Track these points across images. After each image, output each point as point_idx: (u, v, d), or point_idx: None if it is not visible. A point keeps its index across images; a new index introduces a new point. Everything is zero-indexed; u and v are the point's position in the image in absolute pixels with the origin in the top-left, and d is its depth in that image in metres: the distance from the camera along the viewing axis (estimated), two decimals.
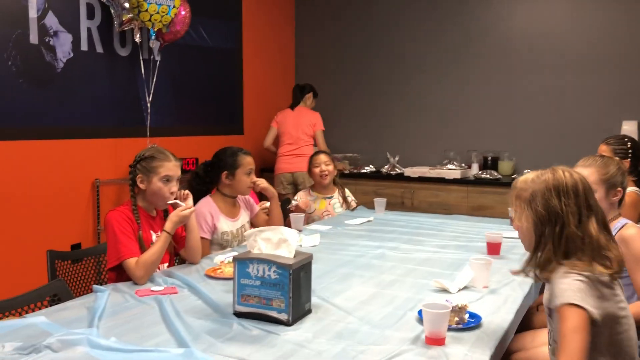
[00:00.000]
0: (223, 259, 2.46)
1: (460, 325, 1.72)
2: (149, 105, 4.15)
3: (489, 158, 5.23)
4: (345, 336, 1.68)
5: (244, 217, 3.07)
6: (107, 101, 4.06)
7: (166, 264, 2.45)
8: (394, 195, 5.17)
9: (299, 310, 1.80)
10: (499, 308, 1.92)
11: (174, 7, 3.90)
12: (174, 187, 2.39)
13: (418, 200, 5.13)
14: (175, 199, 2.44)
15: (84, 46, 3.87)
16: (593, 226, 1.54)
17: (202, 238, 2.71)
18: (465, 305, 1.76)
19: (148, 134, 4.15)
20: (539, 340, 1.97)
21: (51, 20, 3.64)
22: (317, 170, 3.80)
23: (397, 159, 5.43)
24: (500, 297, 2.01)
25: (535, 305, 2.39)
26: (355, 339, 1.66)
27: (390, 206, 4.26)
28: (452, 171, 5.05)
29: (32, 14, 3.53)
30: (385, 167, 5.40)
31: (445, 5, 5.47)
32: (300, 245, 2.78)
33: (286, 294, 1.74)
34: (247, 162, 2.96)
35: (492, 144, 5.30)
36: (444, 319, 1.60)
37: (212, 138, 5.00)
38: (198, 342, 1.61)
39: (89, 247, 3.77)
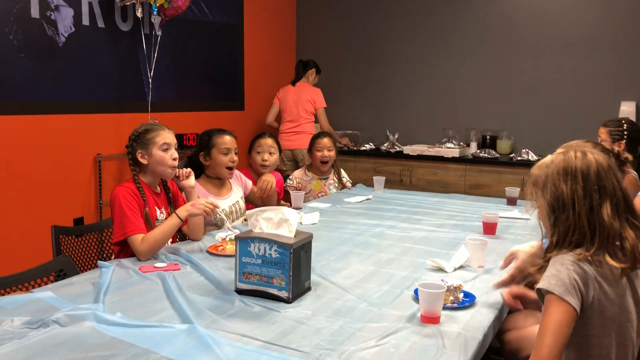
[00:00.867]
0: (224, 236, 2.50)
1: (455, 305, 1.77)
2: (150, 80, 4.16)
3: (488, 137, 5.25)
4: (343, 313, 1.73)
5: (236, 194, 3.06)
6: (109, 76, 4.06)
7: (169, 240, 2.50)
8: (393, 173, 5.21)
9: (299, 288, 1.85)
10: (491, 286, 1.97)
11: None
12: (175, 153, 2.45)
13: (416, 178, 5.18)
14: (177, 176, 2.50)
15: (85, 21, 3.86)
16: (606, 212, 1.40)
17: None
18: (460, 285, 1.82)
19: (149, 109, 4.17)
20: (531, 320, 2.03)
21: None
22: (319, 154, 3.80)
23: (396, 136, 5.46)
24: (494, 277, 2.06)
25: (530, 286, 2.44)
26: (353, 316, 1.71)
27: (388, 184, 4.30)
28: (450, 149, 5.08)
29: None
30: (385, 144, 5.43)
31: None
32: (300, 223, 2.82)
33: (286, 272, 1.79)
34: (222, 141, 2.92)
35: (491, 123, 5.32)
36: (439, 298, 1.65)
37: (212, 114, 5.01)
38: (201, 318, 1.66)
39: (91, 221, 3.85)
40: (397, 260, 2.30)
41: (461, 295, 1.81)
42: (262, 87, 5.59)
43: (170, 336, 1.52)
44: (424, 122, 5.63)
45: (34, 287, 1.94)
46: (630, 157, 2.67)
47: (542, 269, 1.47)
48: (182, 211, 2.36)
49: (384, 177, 3.95)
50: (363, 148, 5.47)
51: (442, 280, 1.82)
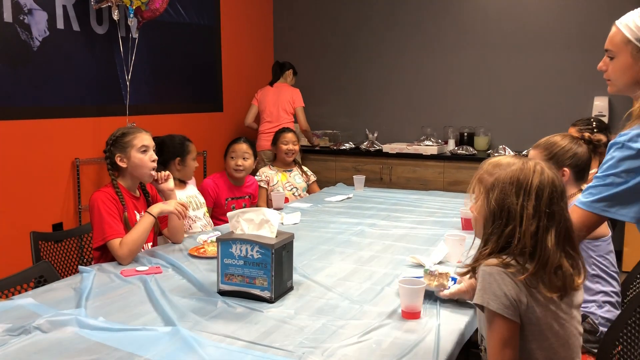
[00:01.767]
0: (206, 238, 2.51)
1: (441, 290, 1.79)
2: (127, 83, 4.14)
3: (465, 134, 5.31)
4: (325, 312, 1.75)
5: (193, 190, 3.17)
6: (85, 80, 4.03)
7: (150, 244, 2.49)
8: (373, 171, 5.25)
9: (282, 287, 1.87)
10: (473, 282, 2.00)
11: None
12: (154, 155, 2.46)
13: (396, 176, 5.22)
14: (156, 179, 2.51)
15: (60, 24, 3.82)
16: (551, 239, 1.35)
17: None
18: (447, 273, 1.84)
19: (127, 112, 4.14)
20: None
21: None
22: (284, 147, 3.89)
23: (375, 135, 5.50)
24: None
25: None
26: (335, 314, 1.73)
27: (369, 182, 4.34)
28: (429, 147, 5.13)
29: None
30: (365, 143, 5.47)
31: None
32: (282, 223, 2.84)
33: (269, 273, 1.81)
34: (194, 149, 3.11)
35: (468, 120, 5.39)
36: (419, 294, 1.68)
37: (191, 116, 5.00)
38: (184, 321, 1.67)
39: (71, 226, 3.82)
40: (377, 258, 2.32)
41: (450, 283, 1.82)
42: (240, 88, 5.58)
43: (154, 339, 1.53)
44: (403, 121, 5.67)
45: (14, 294, 1.92)
46: (603, 138, 2.69)
47: (467, 273, 1.48)
48: (154, 208, 2.37)
49: (364, 176, 3.99)
50: (343, 147, 5.49)
51: (428, 267, 1.83)
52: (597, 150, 2.23)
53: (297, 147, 3.96)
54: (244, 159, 3.41)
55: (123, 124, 4.04)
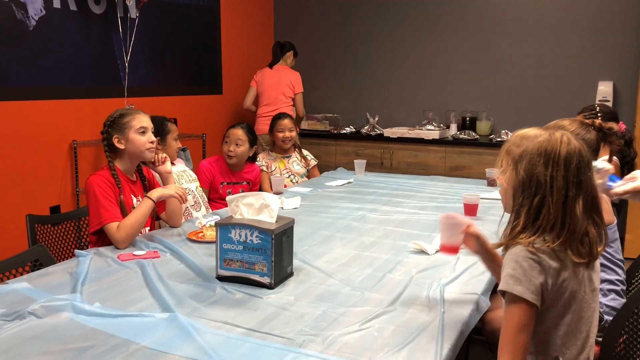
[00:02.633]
0: (205, 222, 2.47)
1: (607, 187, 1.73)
2: (126, 64, 4.07)
3: (467, 118, 5.26)
4: (326, 298, 1.72)
5: (180, 165, 3.15)
6: (83, 61, 3.96)
7: (147, 228, 2.46)
8: (374, 156, 5.20)
9: (281, 273, 1.83)
10: (475, 269, 1.97)
11: None
12: (152, 137, 2.41)
13: (397, 160, 5.17)
14: (153, 162, 2.47)
15: (57, 3, 3.74)
16: (579, 207, 1.38)
17: None
18: (610, 169, 1.78)
19: (125, 94, 4.08)
20: None
21: None
22: (280, 135, 3.84)
23: (376, 119, 5.44)
24: (475, 258, 2.06)
25: None
26: (336, 301, 1.70)
27: (369, 166, 4.30)
28: (430, 132, 5.07)
29: None
30: (365, 127, 5.41)
31: None
32: (282, 208, 2.80)
33: (268, 258, 1.77)
34: (175, 128, 3.05)
35: (471, 105, 5.33)
36: (459, 229, 1.68)
37: (190, 98, 4.94)
38: (182, 307, 1.63)
39: (68, 209, 3.78)
40: (379, 244, 2.29)
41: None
42: (240, 70, 5.51)
43: (151, 325, 1.50)
44: (404, 105, 5.61)
45: (8, 278, 1.89)
46: (615, 126, 2.62)
47: (500, 246, 1.47)
48: (154, 193, 2.33)
49: (365, 161, 3.94)
50: (343, 131, 5.44)
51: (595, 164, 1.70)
52: (607, 138, 2.16)
53: (293, 134, 3.88)
54: (237, 145, 3.34)
55: (121, 105, 3.98)
